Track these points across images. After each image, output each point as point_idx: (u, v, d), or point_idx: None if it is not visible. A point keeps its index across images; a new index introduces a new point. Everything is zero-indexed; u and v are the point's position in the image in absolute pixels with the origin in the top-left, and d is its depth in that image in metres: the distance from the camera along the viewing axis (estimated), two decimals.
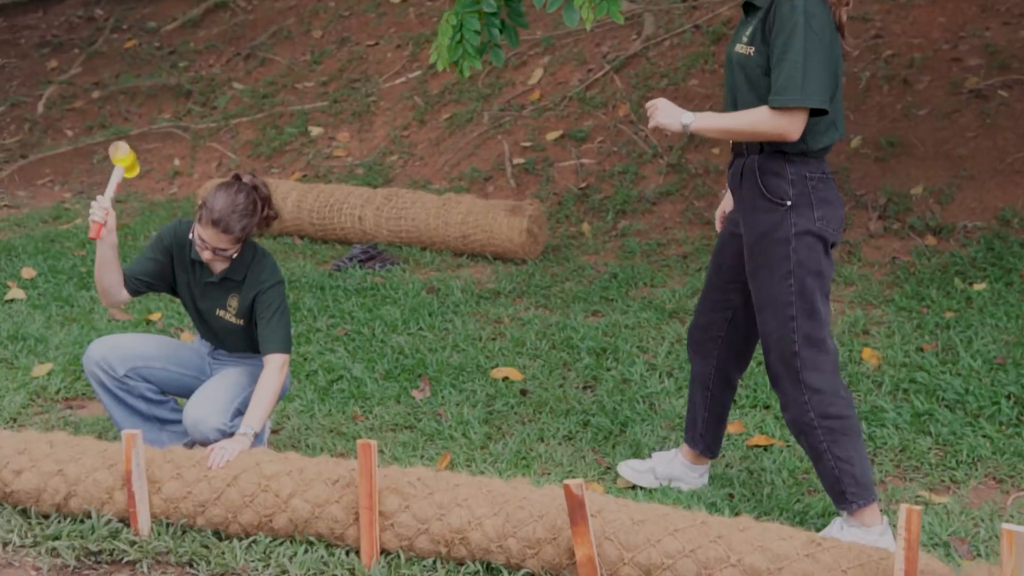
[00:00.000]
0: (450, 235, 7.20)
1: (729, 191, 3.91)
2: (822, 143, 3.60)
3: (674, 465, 4.19)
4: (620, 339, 5.60)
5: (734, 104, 3.70)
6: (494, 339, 5.73)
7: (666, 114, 3.61)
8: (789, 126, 3.47)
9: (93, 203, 4.12)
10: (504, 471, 4.29)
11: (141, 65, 12.06)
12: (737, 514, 3.87)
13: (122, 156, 4.22)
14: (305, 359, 5.51)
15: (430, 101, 9.74)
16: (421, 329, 5.86)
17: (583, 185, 8.12)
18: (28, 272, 6.99)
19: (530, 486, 3.64)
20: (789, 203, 3.58)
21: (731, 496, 4.09)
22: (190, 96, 11.15)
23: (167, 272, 4.25)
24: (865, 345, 5.40)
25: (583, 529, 3.33)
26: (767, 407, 4.84)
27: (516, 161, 8.57)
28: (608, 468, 4.37)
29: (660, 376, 5.18)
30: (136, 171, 4.30)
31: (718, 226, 4.08)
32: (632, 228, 7.48)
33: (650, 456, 4.33)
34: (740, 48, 3.64)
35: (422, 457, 4.47)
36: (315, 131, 9.85)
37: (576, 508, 3.32)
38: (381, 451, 4.53)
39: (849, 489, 3.65)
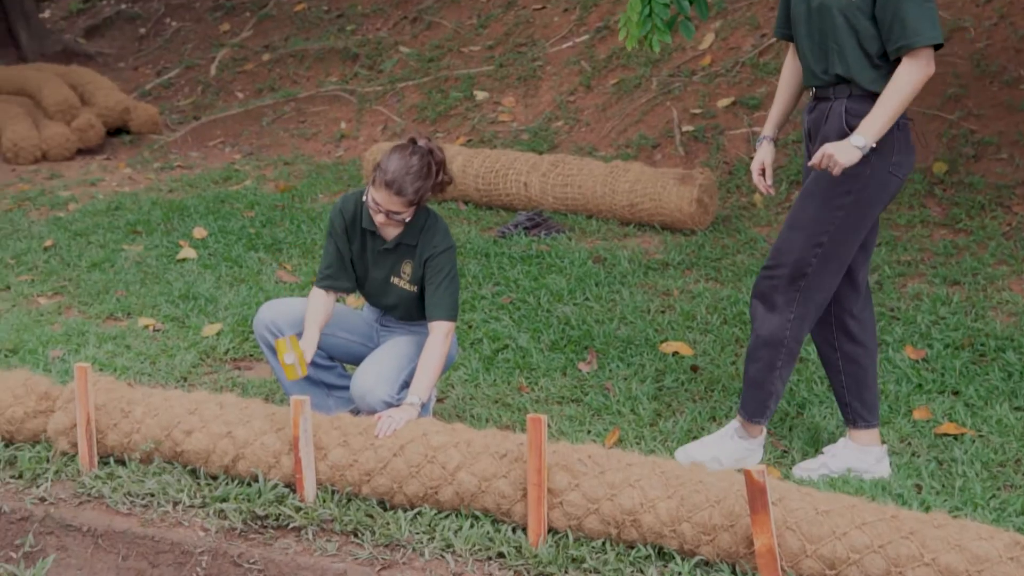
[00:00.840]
0: (617, 203, 7.02)
1: (803, 137, 3.97)
2: None
3: (847, 455, 3.97)
4: None
5: (824, 54, 3.74)
6: (663, 312, 5.55)
7: (844, 155, 3.57)
8: (929, 65, 3.56)
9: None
10: (673, 454, 4.12)
11: (310, 28, 12.17)
12: (927, 508, 3.62)
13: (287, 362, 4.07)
14: (470, 327, 5.43)
15: (597, 66, 9.55)
16: (587, 299, 5.72)
17: (755, 154, 7.83)
18: (199, 232, 7.09)
19: (706, 471, 3.47)
20: (873, 145, 3.61)
21: (919, 488, 3.84)
22: (357, 59, 11.20)
23: (347, 250, 4.19)
24: None
25: (764, 517, 3.15)
26: (956, 392, 4.55)
27: (685, 128, 8.33)
28: (785, 452, 4.17)
29: None
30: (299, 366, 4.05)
31: (755, 179, 4.07)
32: None
33: (820, 452, 4.10)
34: None
35: (589, 432, 4.34)
36: (480, 96, 9.77)
37: (757, 495, 3.14)
38: (548, 425, 4.41)
39: (771, 407, 3.94)
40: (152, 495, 3.88)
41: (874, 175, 3.68)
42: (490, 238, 6.81)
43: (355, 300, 5.55)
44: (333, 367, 4.34)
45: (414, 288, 4.13)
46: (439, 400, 4.66)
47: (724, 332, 5.24)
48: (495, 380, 4.83)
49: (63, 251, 6.88)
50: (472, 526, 3.58)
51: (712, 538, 3.31)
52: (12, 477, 4.09)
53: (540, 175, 7.33)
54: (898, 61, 3.61)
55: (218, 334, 5.40)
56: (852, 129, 3.64)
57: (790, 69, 4.06)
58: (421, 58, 10.75)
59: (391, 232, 4.08)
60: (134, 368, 5.02)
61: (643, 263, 6.22)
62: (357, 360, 4.29)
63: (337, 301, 4.31)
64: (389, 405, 3.96)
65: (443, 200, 7.70)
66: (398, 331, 4.29)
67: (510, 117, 9.39)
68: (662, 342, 5.13)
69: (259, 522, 3.71)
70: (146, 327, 5.57)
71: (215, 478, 3.95)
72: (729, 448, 4.02)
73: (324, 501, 3.75)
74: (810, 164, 3.70)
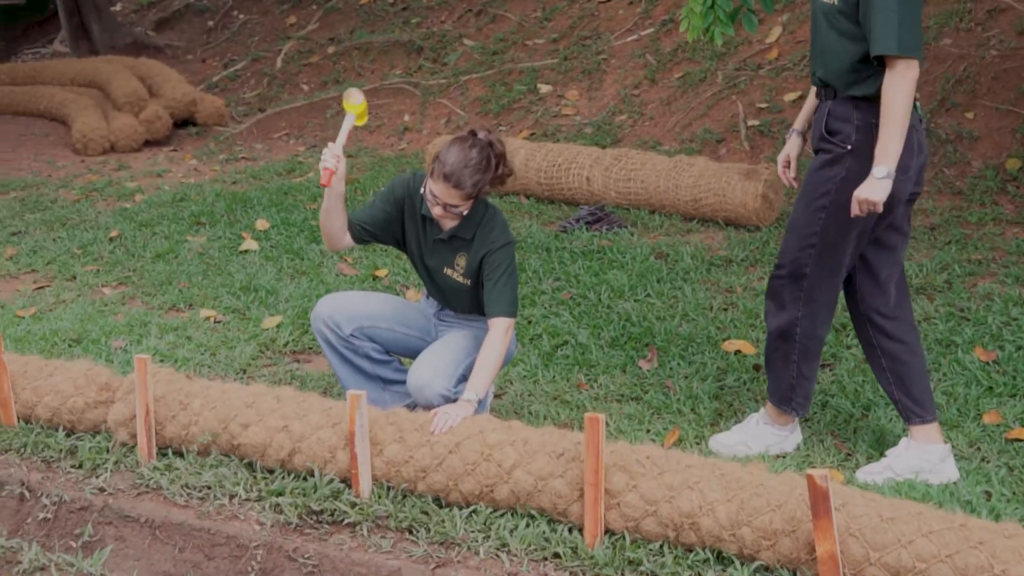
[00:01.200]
0: (680, 198, 6.93)
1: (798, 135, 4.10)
2: None
3: (909, 455, 3.88)
4: None
5: (815, 57, 3.84)
6: (725, 309, 5.47)
7: (873, 193, 3.57)
8: (908, 71, 3.53)
9: (325, 150, 4.05)
10: (737, 456, 4.04)
11: (375, 21, 12.19)
12: (997, 516, 3.51)
13: (355, 103, 4.15)
14: (529, 322, 5.38)
15: (662, 59, 9.45)
16: (649, 296, 5.65)
17: None
18: (262, 224, 7.12)
19: (767, 472, 3.40)
20: (849, 147, 3.69)
21: (988, 495, 3.73)
22: (421, 52, 11.19)
23: (395, 224, 4.17)
24: None
25: (826, 523, 3.07)
26: None
27: (751, 123, 8.21)
28: (849, 455, 4.07)
29: None
30: (365, 119, 4.23)
31: (780, 171, 4.14)
32: None
33: (883, 456, 4.00)
34: None
35: (648, 431, 4.28)
36: (544, 89, 9.71)
37: (819, 500, 3.06)
38: (606, 423, 4.35)
39: (798, 399, 3.99)
40: (209, 487, 3.89)
41: (848, 178, 3.69)
42: (551, 232, 6.76)
43: (415, 294, 5.53)
44: (390, 361, 4.31)
45: (467, 281, 4.09)
46: (497, 396, 4.63)
47: None
48: (554, 377, 4.79)
49: (128, 242, 6.94)
50: (528, 525, 3.53)
51: (772, 543, 3.23)
52: (73, 467, 4.12)
53: (603, 169, 7.26)
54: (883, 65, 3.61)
55: (278, 326, 5.41)
56: (831, 132, 3.73)
57: None
58: (485, 51, 10.72)
59: (448, 223, 4.05)
60: (194, 359, 5.04)
61: (706, 259, 6.13)
62: (414, 354, 4.26)
63: (398, 294, 4.29)
64: (446, 399, 3.93)
65: (505, 193, 7.66)
66: (456, 325, 4.26)
67: (573, 111, 9.33)
68: (724, 340, 5.04)
69: (314, 517, 3.70)
70: (207, 318, 5.59)
71: (271, 472, 3.95)
72: (756, 433, 4.07)
73: (379, 497, 3.72)
74: (853, 215, 3.66)
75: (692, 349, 4.98)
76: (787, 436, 4.09)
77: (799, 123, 4.12)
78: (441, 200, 3.92)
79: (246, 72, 12.14)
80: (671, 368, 4.81)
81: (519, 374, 4.81)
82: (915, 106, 3.69)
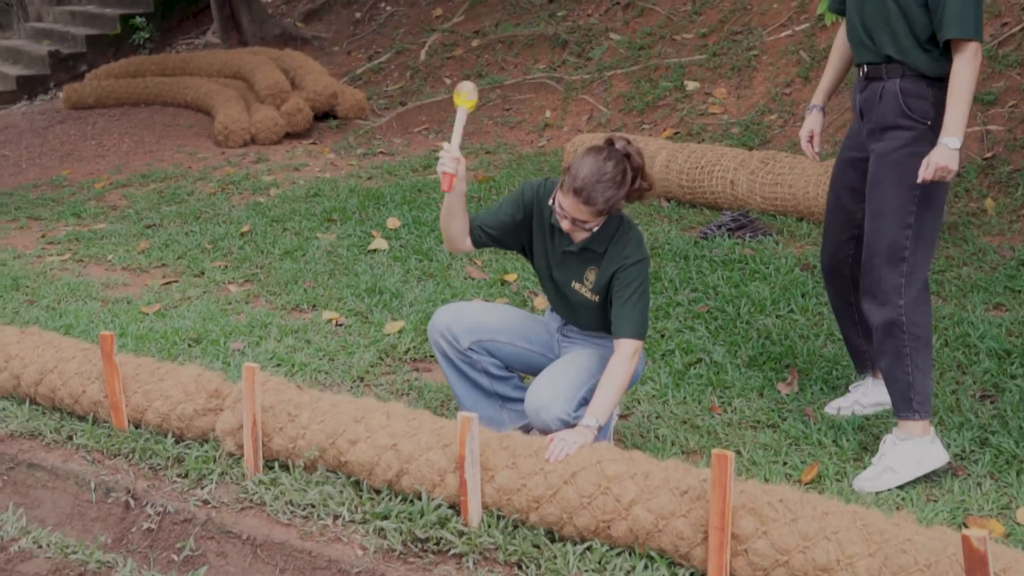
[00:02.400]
0: None
1: (853, 114, 4.04)
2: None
3: (904, 449, 3.82)
4: None
5: (876, 35, 3.83)
6: None
7: (950, 160, 3.66)
8: (976, 57, 3.67)
9: (442, 153, 3.79)
10: (879, 495, 3.67)
11: (521, 14, 11.97)
12: None
13: (469, 99, 3.88)
14: (662, 336, 5.07)
15: (817, 56, 8.98)
16: (792, 311, 5.27)
17: (988, 155, 7.16)
18: (393, 222, 6.96)
19: (915, 524, 3.04)
20: (929, 123, 3.76)
21: None
22: (566, 46, 10.92)
23: (521, 231, 3.91)
24: None
25: None
26: None
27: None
28: (1012, 501, 3.66)
29: None
30: (473, 104, 3.94)
31: (803, 146, 4.24)
32: None
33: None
34: None
35: (784, 464, 3.93)
36: (691, 86, 9.34)
37: (976, 565, 2.70)
38: (739, 452, 4.03)
39: (917, 398, 3.82)
40: (313, 506, 3.70)
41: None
42: (691, 239, 6.42)
43: (544, 302, 5.27)
44: (509, 378, 4.06)
45: (595, 298, 3.81)
46: (622, 417, 4.34)
47: (944, 356, 4.71)
48: (684, 398, 4.47)
49: (258, 237, 6.86)
50: (646, 567, 3.25)
51: None
52: (179, 476, 3.99)
53: (748, 173, 6.89)
54: (947, 45, 3.73)
55: (400, 332, 5.22)
56: (911, 110, 3.79)
57: (842, 41, 4.16)
58: (631, 46, 10.39)
59: (579, 235, 3.77)
60: (312, 365, 4.89)
61: None
62: (535, 371, 4.01)
63: (526, 300, 4.04)
64: (565, 424, 3.66)
65: None
66: (580, 342, 3.99)
67: (721, 109, 8.94)
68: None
69: (419, 545, 3.48)
70: (329, 321, 5.44)
71: (378, 492, 3.74)
72: (896, 454, 3.81)
73: (489, 527, 3.48)
74: (920, 180, 3.71)
75: (837, 373, 4.60)
76: (930, 447, 3.81)
77: (820, 99, 4.25)
78: (569, 214, 3.64)
79: (390, 65, 12.05)
80: (812, 393, 4.45)
81: (647, 393, 4.51)
82: None
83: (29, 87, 13.94)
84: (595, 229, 3.68)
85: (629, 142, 3.67)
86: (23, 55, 14.66)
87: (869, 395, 4.29)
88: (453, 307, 4.02)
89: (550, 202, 3.74)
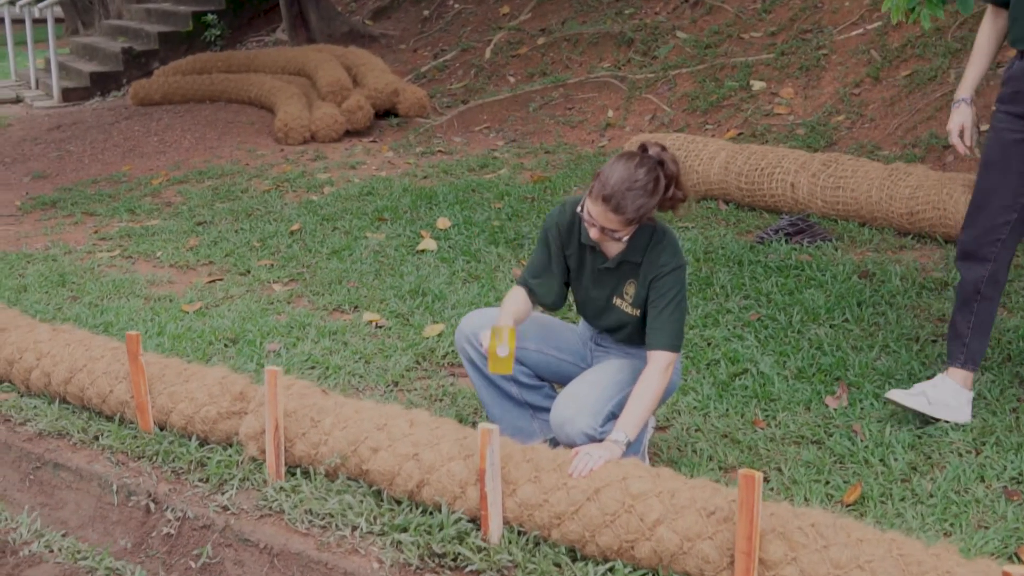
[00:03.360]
0: (894, 211, 6.26)
1: (1006, 100, 4.04)
2: None
3: (942, 389, 4.05)
4: None
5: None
6: (934, 341, 4.82)
7: None
8: None
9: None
10: (926, 520, 3.46)
11: (587, 12, 11.80)
12: None
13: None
14: (708, 344, 4.89)
15: (888, 55, 8.70)
16: (846, 321, 5.05)
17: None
18: (443, 222, 6.84)
19: (957, 555, 2.84)
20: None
21: None
22: (631, 45, 10.73)
23: (561, 265, 3.76)
24: None
25: None
26: None
27: (984, 128, 7.39)
28: None
29: None
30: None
31: (954, 140, 4.18)
32: None
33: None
34: None
35: (826, 483, 3.73)
36: (757, 85, 9.10)
37: None
38: (779, 470, 3.84)
39: (957, 351, 4.06)
40: (332, 516, 3.59)
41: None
42: (747, 243, 6.21)
43: None
44: (540, 387, 3.91)
45: (637, 312, 3.64)
46: (660, 429, 4.17)
47: (1005, 372, 4.47)
48: (727, 410, 4.29)
49: (307, 236, 6.79)
50: None
51: None
52: (200, 480, 3.91)
53: (809, 175, 6.66)
54: None
55: (439, 335, 5.09)
56: None
57: (991, 27, 4.10)
58: (698, 44, 10.17)
59: (613, 249, 3.61)
60: (346, 368, 4.78)
61: (917, 281, 5.47)
62: (566, 381, 3.85)
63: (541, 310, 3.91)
64: (591, 439, 3.50)
65: (703, 198, 7.14)
66: (614, 352, 3.82)
67: (787, 110, 8.69)
68: (928, 378, 4.42)
69: (436, 560, 3.34)
70: (369, 322, 5.33)
71: (399, 503, 3.62)
72: (938, 389, 4.04)
73: (509, 543, 3.34)
74: None
75: (889, 387, 4.37)
76: (965, 403, 4.05)
77: (967, 92, 4.17)
78: (598, 222, 3.49)
79: (455, 63, 11.95)
80: (862, 408, 4.23)
81: (688, 405, 4.34)
82: None
83: (102, 83, 14.08)
84: (625, 239, 3.52)
85: (664, 148, 3.50)
86: (99, 52, 14.82)
87: (937, 392, 4.09)
88: (481, 312, 3.88)
89: (578, 209, 3.57)
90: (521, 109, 10.26)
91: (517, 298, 3.76)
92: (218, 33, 14.53)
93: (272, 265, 6.30)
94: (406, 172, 8.51)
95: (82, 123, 11.51)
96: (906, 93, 8.19)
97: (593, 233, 3.53)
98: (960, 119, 4.17)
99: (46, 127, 11.60)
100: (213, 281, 6.10)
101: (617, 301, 3.68)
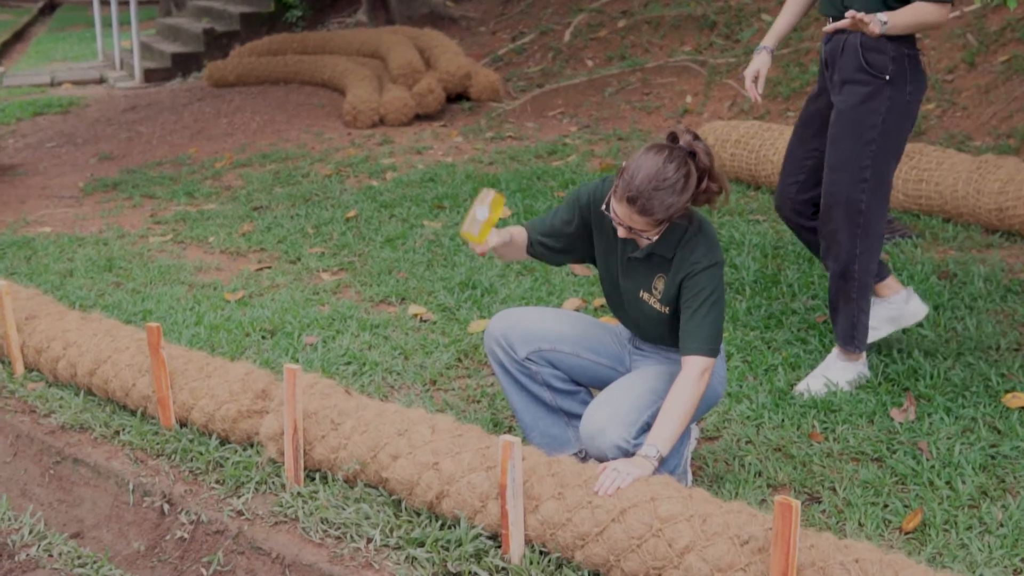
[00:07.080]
0: (982, 206, 5.85)
1: (819, 65, 4.21)
2: None
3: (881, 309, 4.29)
4: None
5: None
6: (1016, 350, 4.44)
7: (874, 24, 3.77)
8: (941, 10, 3.86)
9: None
10: (993, 552, 3.13)
11: None
12: None
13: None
14: (768, 347, 4.57)
15: (986, 39, 8.21)
16: (920, 325, 4.67)
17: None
18: (503, 211, 6.58)
19: None
20: (887, 77, 3.90)
21: None
22: (714, 28, 10.35)
23: (580, 238, 3.48)
24: None
25: None
26: None
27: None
28: None
29: None
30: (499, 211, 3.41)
31: (748, 84, 4.27)
32: None
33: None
34: None
35: (884, 507, 3.41)
36: None
37: None
38: (833, 490, 3.53)
39: (859, 336, 4.14)
40: (347, 526, 3.37)
41: (893, 107, 3.93)
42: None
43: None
44: (575, 392, 3.64)
45: (666, 309, 3.35)
46: (709, 439, 3.88)
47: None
48: (782, 420, 3.97)
49: (363, 224, 6.59)
50: None
51: None
52: (216, 482, 3.72)
53: None
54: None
55: (484, 332, 4.84)
56: (869, 64, 3.89)
57: None
58: None
59: (643, 240, 3.32)
60: (383, 364, 4.56)
61: (1003, 284, 5.07)
62: (604, 385, 3.57)
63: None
64: (624, 452, 3.22)
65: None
66: (653, 357, 3.54)
67: None
68: (1008, 392, 4.05)
69: None
70: (415, 316, 5.11)
71: (418, 514, 3.38)
72: (837, 369, 4.16)
73: (531, 563, 3.09)
74: (832, 28, 3.93)
75: (963, 401, 4.02)
76: (862, 368, 4.19)
77: (771, 41, 4.31)
78: (624, 223, 3.21)
79: (533, 46, 11.66)
80: (931, 423, 3.89)
81: (741, 414, 4.03)
82: (916, 38, 3.97)
83: (184, 64, 14.08)
84: (654, 238, 3.23)
85: (696, 137, 3.19)
86: (182, 33, 14.83)
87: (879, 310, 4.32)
88: (511, 312, 3.62)
89: (603, 208, 3.29)
90: (597, 94, 9.94)
91: (516, 231, 3.52)
92: (299, 14, 14.43)
93: (323, 253, 6.11)
94: (472, 158, 8.26)
95: (157, 104, 11.48)
96: (1003, 80, 7.72)
97: (621, 232, 3.26)
98: (756, 66, 4.26)
99: (121, 108, 11.59)
100: (261, 269, 5.92)
101: (644, 295, 3.39)
